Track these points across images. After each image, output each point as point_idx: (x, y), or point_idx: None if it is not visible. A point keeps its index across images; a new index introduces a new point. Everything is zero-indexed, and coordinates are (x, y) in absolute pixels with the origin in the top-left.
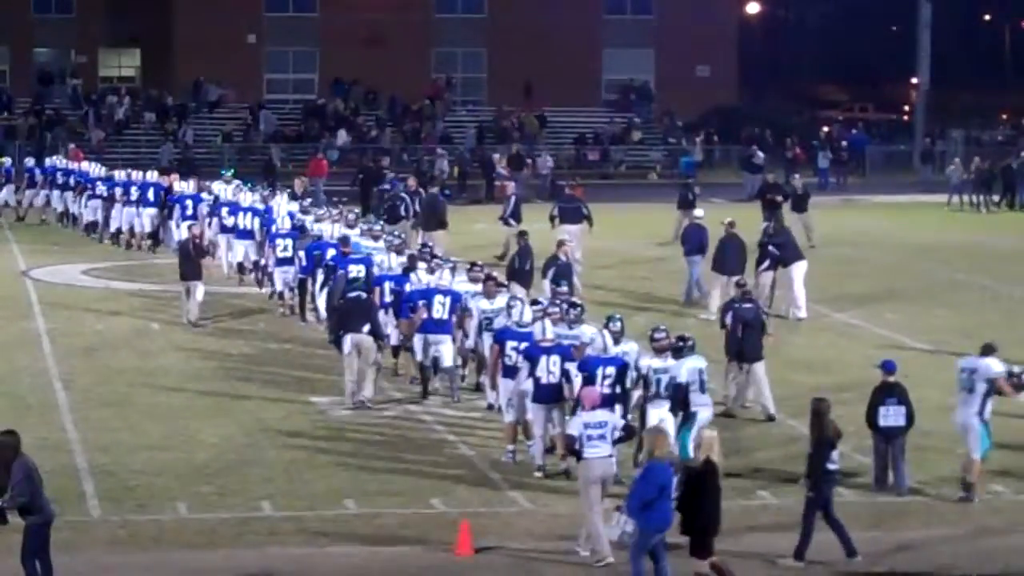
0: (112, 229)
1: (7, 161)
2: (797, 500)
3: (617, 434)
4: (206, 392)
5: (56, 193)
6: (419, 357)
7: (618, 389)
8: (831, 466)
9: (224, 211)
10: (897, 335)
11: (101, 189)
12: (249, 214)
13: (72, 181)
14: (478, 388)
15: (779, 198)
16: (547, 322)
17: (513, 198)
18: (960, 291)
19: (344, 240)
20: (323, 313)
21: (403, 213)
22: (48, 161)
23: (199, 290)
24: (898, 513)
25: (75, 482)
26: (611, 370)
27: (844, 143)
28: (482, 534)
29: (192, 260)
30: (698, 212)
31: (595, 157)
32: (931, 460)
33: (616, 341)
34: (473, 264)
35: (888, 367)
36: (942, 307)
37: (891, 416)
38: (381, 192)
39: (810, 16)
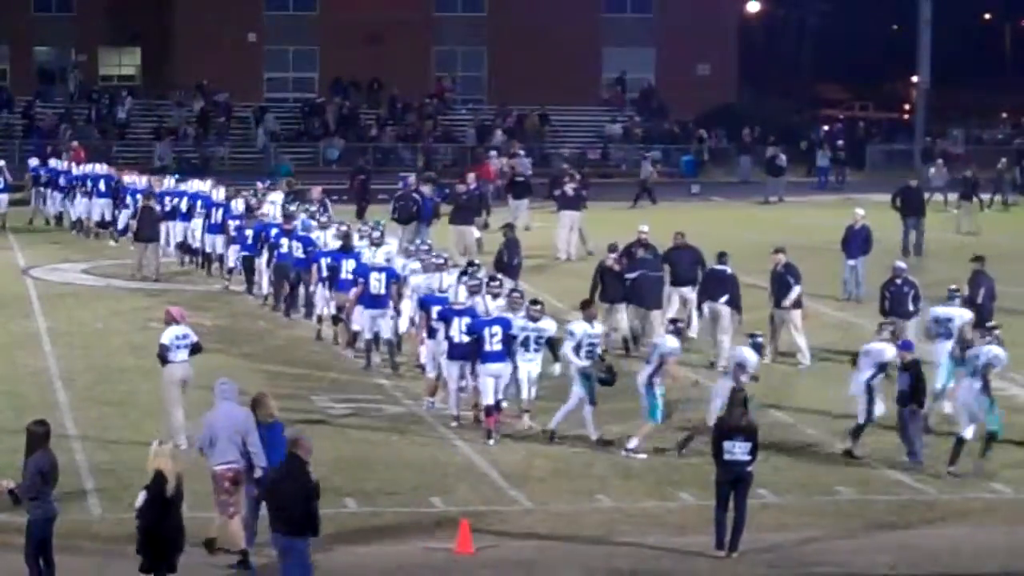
0: (73, 219)
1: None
2: (798, 499)
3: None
4: (206, 391)
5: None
6: (356, 328)
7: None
8: (727, 456)
9: (166, 199)
10: None
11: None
12: (185, 199)
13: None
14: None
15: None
16: (461, 288)
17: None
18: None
19: (286, 217)
20: (266, 288)
21: (415, 212)
22: (34, 162)
23: (158, 249)
24: (898, 513)
25: (75, 480)
26: (497, 329)
27: (839, 141)
28: (482, 533)
29: (149, 223)
30: (860, 211)
31: (595, 156)
32: (931, 460)
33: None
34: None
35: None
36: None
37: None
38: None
39: (810, 16)
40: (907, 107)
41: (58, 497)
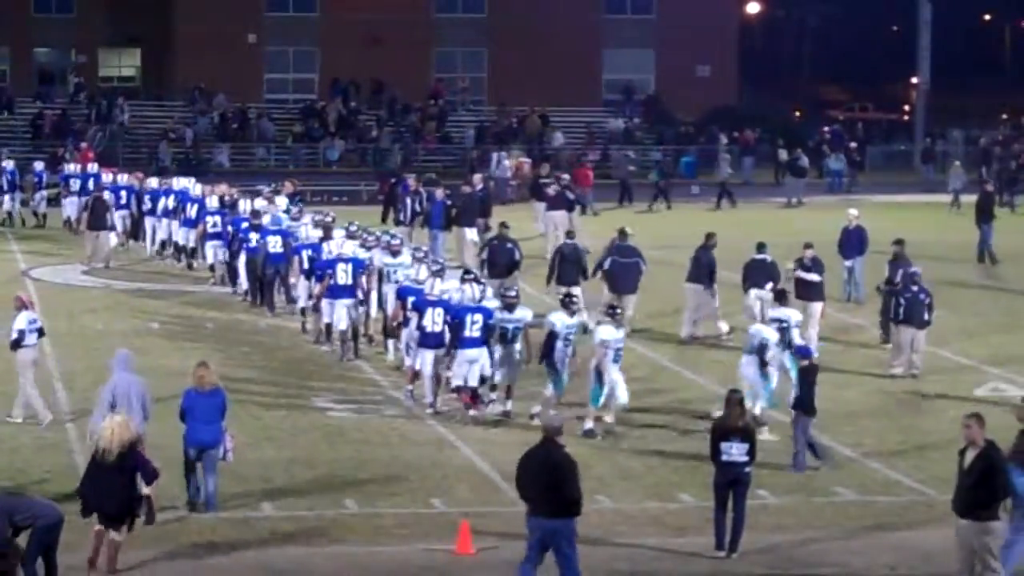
0: (64, 217)
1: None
2: (797, 500)
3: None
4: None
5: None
6: (326, 319)
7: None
8: (724, 457)
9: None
10: None
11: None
12: (171, 197)
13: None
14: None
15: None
16: (437, 280)
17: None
18: (960, 291)
19: (255, 213)
20: (244, 283)
21: (401, 218)
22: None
23: (108, 238)
24: (898, 513)
25: (75, 482)
26: (478, 317)
27: (854, 144)
28: (482, 534)
29: (98, 214)
30: (853, 212)
31: (595, 157)
32: (931, 460)
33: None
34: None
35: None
36: (942, 307)
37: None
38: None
39: (810, 16)
40: (907, 108)
41: (56, 499)
